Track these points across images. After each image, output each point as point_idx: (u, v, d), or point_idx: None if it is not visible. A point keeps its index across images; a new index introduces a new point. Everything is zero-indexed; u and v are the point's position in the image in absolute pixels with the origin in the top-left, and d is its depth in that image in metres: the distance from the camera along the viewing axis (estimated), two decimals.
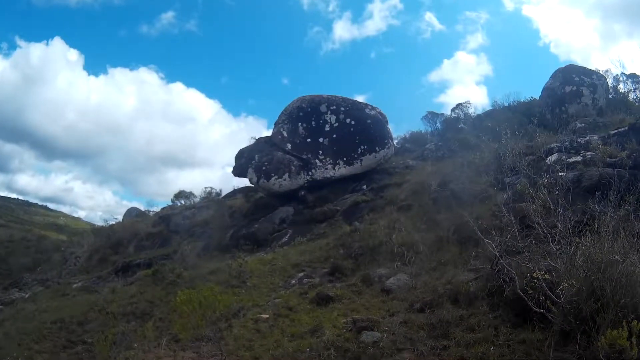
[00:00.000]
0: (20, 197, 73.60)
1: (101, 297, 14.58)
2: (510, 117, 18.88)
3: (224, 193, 26.62)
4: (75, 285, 17.64)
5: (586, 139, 13.69)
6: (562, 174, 10.75)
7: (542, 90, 20.53)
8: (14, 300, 15.57)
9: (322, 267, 13.58)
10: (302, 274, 13.51)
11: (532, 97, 21.09)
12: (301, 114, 21.54)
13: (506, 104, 21.56)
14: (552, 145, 13.98)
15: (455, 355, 7.67)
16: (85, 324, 12.66)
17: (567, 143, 13.77)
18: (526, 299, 6.89)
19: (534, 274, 6.92)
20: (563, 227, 7.56)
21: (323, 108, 21.37)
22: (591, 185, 10.06)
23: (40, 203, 71.78)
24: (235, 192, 25.36)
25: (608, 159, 11.61)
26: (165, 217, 24.38)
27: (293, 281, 13.12)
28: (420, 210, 15.03)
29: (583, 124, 16.31)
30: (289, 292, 12.14)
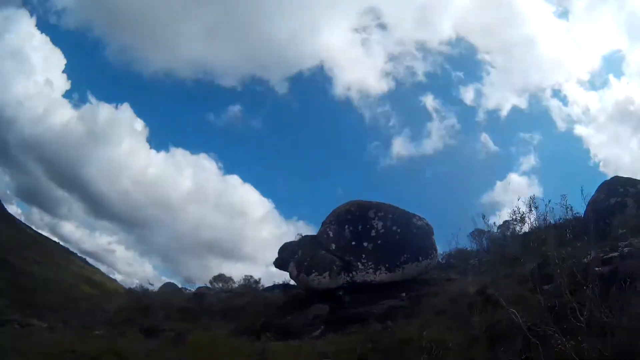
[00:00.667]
0: (62, 243, 74.36)
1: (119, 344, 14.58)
2: (555, 234, 18.63)
3: (262, 286, 26.65)
4: (96, 332, 17.66)
5: (627, 242, 13.41)
6: (597, 268, 10.58)
7: (587, 205, 20.31)
8: (31, 325, 15.55)
9: (348, 357, 13.36)
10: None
11: (577, 213, 20.86)
12: (349, 217, 21.91)
13: (552, 222, 21.30)
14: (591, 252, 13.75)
15: None
16: None
17: (607, 248, 13.52)
18: None
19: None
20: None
21: (371, 214, 21.71)
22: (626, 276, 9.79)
23: (79, 254, 72.28)
24: (273, 287, 25.45)
25: None
26: (200, 295, 24.58)
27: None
28: (455, 314, 14.77)
29: (625, 230, 15.93)
30: None
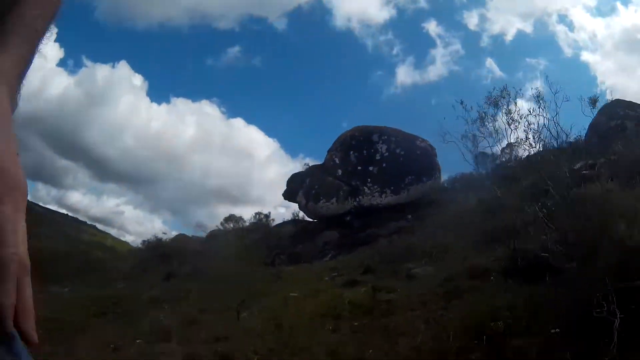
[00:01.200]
0: (70, 214, 74.66)
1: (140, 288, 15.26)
2: (557, 155, 18.92)
3: (273, 220, 27.21)
4: (118, 286, 18.35)
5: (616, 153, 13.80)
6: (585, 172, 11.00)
7: (588, 128, 20.49)
8: (51, 291, 16.06)
9: (356, 270, 13.96)
10: (336, 273, 13.95)
11: (579, 136, 20.98)
12: (354, 142, 22.36)
13: (556, 145, 21.48)
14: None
15: (461, 309, 8.03)
16: (120, 302, 13.35)
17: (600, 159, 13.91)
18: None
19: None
20: None
21: (375, 138, 22.14)
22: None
23: (89, 222, 72.57)
24: (284, 223, 26.00)
25: None
26: (213, 236, 25.19)
27: (326, 278, 13.57)
28: (458, 226, 15.32)
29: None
30: (320, 282, 12.66)
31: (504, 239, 10.47)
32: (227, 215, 27.91)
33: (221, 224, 27.53)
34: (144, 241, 24.52)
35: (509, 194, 15.80)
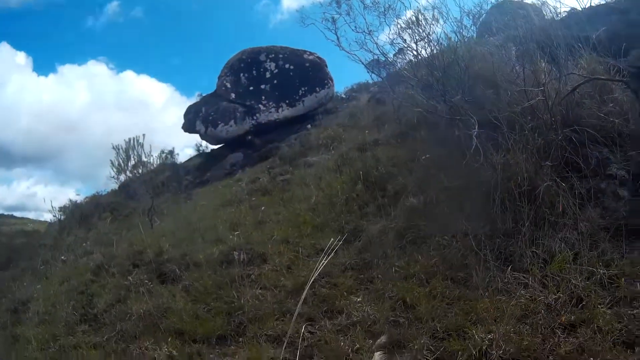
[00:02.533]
0: None
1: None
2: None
3: (177, 155, 26.97)
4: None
5: None
6: None
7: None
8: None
9: (259, 174, 14.38)
10: (241, 181, 14.32)
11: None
12: (242, 65, 22.28)
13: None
14: None
15: (350, 171, 8.68)
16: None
17: None
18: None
19: None
20: None
21: (262, 57, 22.13)
22: None
23: (5, 213, 69.12)
24: (191, 158, 25.88)
25: None
26: (124, 185, 24.73)
27: (233, 187, 13.88)
28: (352, 118, 15.98)
29: None
30: (225, 189, 13.10)
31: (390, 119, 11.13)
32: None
33: (130, 171, 26.91)
34: (60, 208, 23.64)
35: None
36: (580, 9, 7.40)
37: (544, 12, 7.95)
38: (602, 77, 5.33)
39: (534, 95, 5.33)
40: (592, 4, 7.95)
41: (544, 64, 5.79)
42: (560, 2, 8.04)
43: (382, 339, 3.88)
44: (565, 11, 7.89)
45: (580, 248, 4.18)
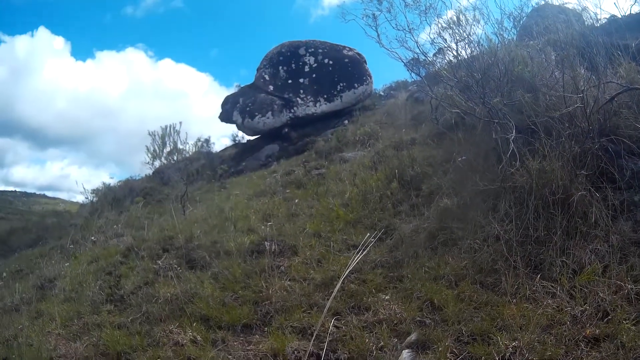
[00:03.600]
0: (18, 189, 72.49)
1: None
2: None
3: (213, 144, 27.24)
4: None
5: None
6: None
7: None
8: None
9: (294, 167, 14.51)
10: (275, 173, 14.47)
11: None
12: (281, 58, 22.39)
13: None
14: None
15: (385, 168, 8.70)
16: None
17: None
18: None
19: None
20: None
21: (302, 51, 22.22)
22: None
23: (38, 192, 70.52)
24: (227, 148, 26.20)
25: None
26: (158, 171, 25.10)
27: (267, 178, 14.04)
28: (390, 116, 15.97)
29: None
30: (260, 180, 13.24)
31: (427, 118, 11.12)
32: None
33: (165, 158, 27.28)
34: (92, 190, 24.13)
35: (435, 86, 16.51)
36: (620, 16, 7.28)
37: (584, 18, 7.85)
38: None
39: (572, 102, 5.28)
40: (632, 12, 7.83)
41: (583, 71, 5.72)
42: (600, 8, 7.92)
43: (412, 337, 3.92)
44: (605, 18, 7.78)
45: (610, 261, 4.12)
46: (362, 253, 3.49)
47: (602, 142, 4.96)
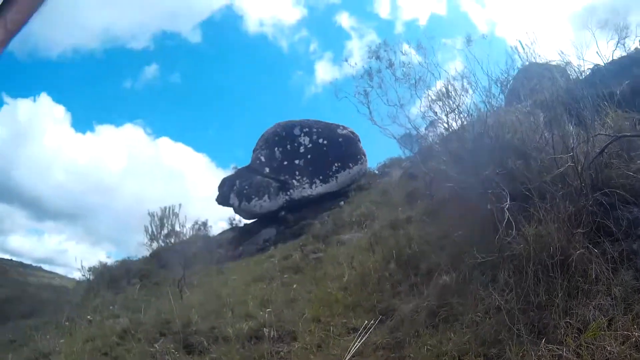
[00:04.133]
0: (15, 259, 71.07)
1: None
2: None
3: (210, 227, 27.16)
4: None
5: None
6: None
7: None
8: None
9: (292, 251, 14.39)
10: (273, 258, 14.30)
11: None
12: (277, 138, 22.69)
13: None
14: None
15: (383, 249, 8.61)
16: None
17: None
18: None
19: None
20: None
21: (297, 131, 22.53)
22: None
23: (34, 265, 69.00)
24: (224, 231, 26.08)
25: None
26: (155, 254, 24.88)
27: (265, 263, 13.86)
28: (384, 195, 15.99)
29: None
30: (256, 266, 13.11)
31: (422, 194, 11.12)
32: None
33: (162, 240, 27.09)
34: (89, 268, 23.85)
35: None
36: (603, 64, 7.39)
37: (569, 72, 7.96)
38: (629, 134, 5.24)
39: (563, 162, 5.26)
40: (615, 57, 7.94)
41: (571, 128, 5.75)
42: (583, 59, 8.07)
43: None
44: (589, 68, 7.90)
45: (615, 313, 3.98)
46: (362, 338, 3.34)
47: (595, 197, 4.90)
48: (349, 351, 2.92)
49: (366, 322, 4.86)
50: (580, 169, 5.05)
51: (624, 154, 5.19)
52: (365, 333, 4.53)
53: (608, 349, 3.66)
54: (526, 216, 5.22)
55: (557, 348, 3.95)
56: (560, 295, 4.34)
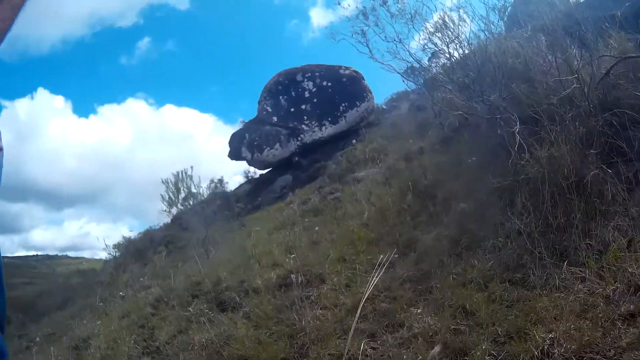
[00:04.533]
0: (40, 253, 72.20)
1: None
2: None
3: (227, 184, 27.38)
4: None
5: None
6: None
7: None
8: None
9: (310, 195, 14.55)
10: (292, 203, 14.51)
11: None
12: (280, 87, 22.60)
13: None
14: None
15: (399, 182, 8.69)
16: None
17: None
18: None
19: None
20: None
21: (299, 77, 22.40)
22: None
23: (60, 254, 70.27)
24: (241, 185, 26.30)
25: None
26: (176, 218, 25.17)
27: (285, 210, 14.09)
28: (394, 132, 15.98)
29: None
30: (277, 213, 13.30)
31: (432, 125, 11.14)
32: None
33: (181, 204, 27.34)
34: (114, 245, 24.26)
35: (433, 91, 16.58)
36: None
37: None
38: (634, 55, 5.21)
39: (569, 84, 5.25)
40: None
41: (574, 50, 5.70)
42: None
43: (436, 349, 3.85)
44: None
45: (634, 234, 4.06)
46: (380, 272, 3.45)
47: (605, 117, 4.91)
48: (368, 287, 3.03)
49: (382, 257, 4.97)
50: (587, 90, 5.05)
51: (630, 75, 5.17)
52: (382, 268, 4.65)
53: (630, 270, 3.74)
54: (537, 139, 5.25)
55: (580, 270, 4.05)
56: (578, 216, 4.41)
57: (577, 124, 4.98)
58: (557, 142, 4.92)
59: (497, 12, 7.63)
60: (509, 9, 8.22)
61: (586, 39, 5.73)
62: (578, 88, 5.11)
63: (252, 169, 24.72)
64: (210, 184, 27.33)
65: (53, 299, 22.70)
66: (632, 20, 5.83)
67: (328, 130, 21.31)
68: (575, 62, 5.33)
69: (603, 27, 5.92)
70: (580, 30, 5.82)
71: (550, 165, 4.82)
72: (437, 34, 7.87)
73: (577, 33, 5.83)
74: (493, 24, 7.50)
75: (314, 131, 21.29)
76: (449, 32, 7.62)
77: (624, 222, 4.21)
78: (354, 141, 20.38)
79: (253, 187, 23.40)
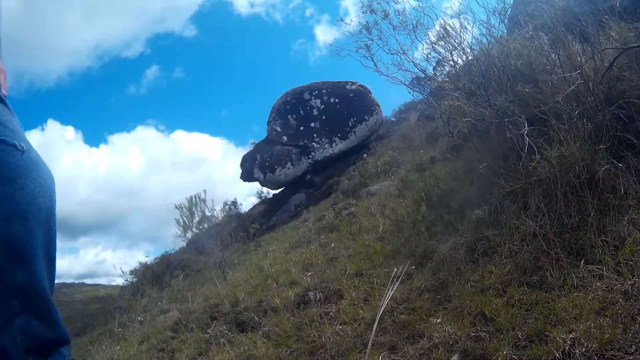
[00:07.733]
0: (57, 281, 72.58)
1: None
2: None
3: (241, 205, 27.49)
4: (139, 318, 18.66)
5: None
6: None
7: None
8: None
9: (324, 211, 14.55)
10: (306, 221, 14.51)
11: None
12: (288, 107, 22.65)
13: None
14: None
15: (412, 193, 8.67)
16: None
17: None
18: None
19: None
20: None
21: (306, 95, 22.47)
22: None
23: (77, 282, 70.69)
24: (254, 206, 26.40)
25: None
26: (192, 242, 25.28)
27: (300, 228, 14.09)
28: (405, 144, 15.99)
29: None
30: (293, 232, 13.31)
31: (442, 134, 11.14)
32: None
33: (195, 227, 27.51)
34: (131, 271, 24.38)
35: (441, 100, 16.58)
36: None
37: None
38: (635, 45, 5.17)
39: (573, 80, 5.23)
40: None
41: (576, 45, 5.69)
42: None
43: (454, 358, 3.80)
44: None
45: None
46: (396, 284, 3.43)
47: (612, 111, 4.88)
48: (384, 299, 3.01)
49: (395, 270, 4.93)
50: (591, 85, 5.03)
51: (634, 65, 5.14)
52: (398, 280, 4.60)
53: None
54: (547, 139, 5.23)
55: (597, 268, 3.99)
56: (592, 213, 4.36)
57: (584, 120, 4.94)
58: (566, 141, 4.89)
59: (497, 15, 7.66)
60: (509, 10, 8.26)
61: (587, 33, 5.71)
62: (582, 84, 5.09)
63: (265, 189, 24.82)
64: (224, 206, 27.51)
65: (72, 325, 22.68)
66: (632, 9, 5.81)
67: (339, 146, 21.34)
68: (578, 58, 5.32)
69: (603, 19, 5.91)
70: (581, 25, 5.81)
71: (560, 164, 4.79)
72: (440, 42, 7.92)
73: (577, 28, 5.82)
74: (494, 28, 7.53)
75: (324, 148, 21.32)
76: (452, 40, 7.64)
77: (638, 215, 4.16)
78: (365, 155, 20.39)
79: (267, 207, 23.47)
